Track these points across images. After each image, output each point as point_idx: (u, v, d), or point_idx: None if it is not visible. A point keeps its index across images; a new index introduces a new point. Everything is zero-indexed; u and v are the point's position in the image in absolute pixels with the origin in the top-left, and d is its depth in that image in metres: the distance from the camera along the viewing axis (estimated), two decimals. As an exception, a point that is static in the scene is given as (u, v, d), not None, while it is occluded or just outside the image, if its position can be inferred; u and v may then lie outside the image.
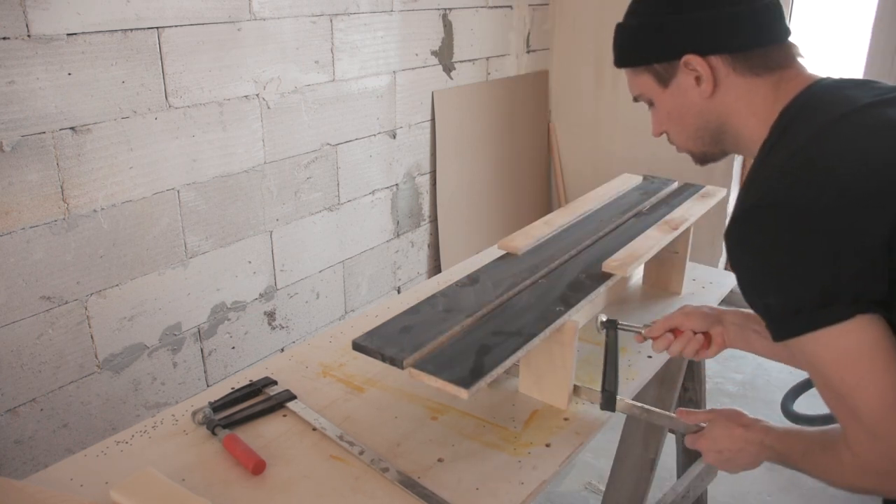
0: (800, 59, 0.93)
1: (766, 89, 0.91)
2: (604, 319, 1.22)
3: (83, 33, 1.73)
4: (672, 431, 1.71)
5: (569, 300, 1.23)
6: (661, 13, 0.94)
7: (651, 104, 1.02)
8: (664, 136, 1.04)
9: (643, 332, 1.22)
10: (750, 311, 1.09)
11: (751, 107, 0.91)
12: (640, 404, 1.21)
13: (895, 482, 0.80)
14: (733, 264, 0.85)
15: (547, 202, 3.73)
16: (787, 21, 0.93)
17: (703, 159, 1.03)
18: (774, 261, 0.79)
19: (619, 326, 1.22)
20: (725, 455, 1.02)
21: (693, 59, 0.92)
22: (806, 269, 0.77)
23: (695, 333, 1.18)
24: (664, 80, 0.96)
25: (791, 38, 0.94)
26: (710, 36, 0.91)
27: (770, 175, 0.83)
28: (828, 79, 0.91)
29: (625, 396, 1.29)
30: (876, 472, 0.81)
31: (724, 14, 0.90)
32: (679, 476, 2.01)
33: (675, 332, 1.20)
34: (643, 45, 0.97)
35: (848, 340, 0.77)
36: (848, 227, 0.75)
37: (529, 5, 3.31)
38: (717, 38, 0.91)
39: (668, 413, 1.17)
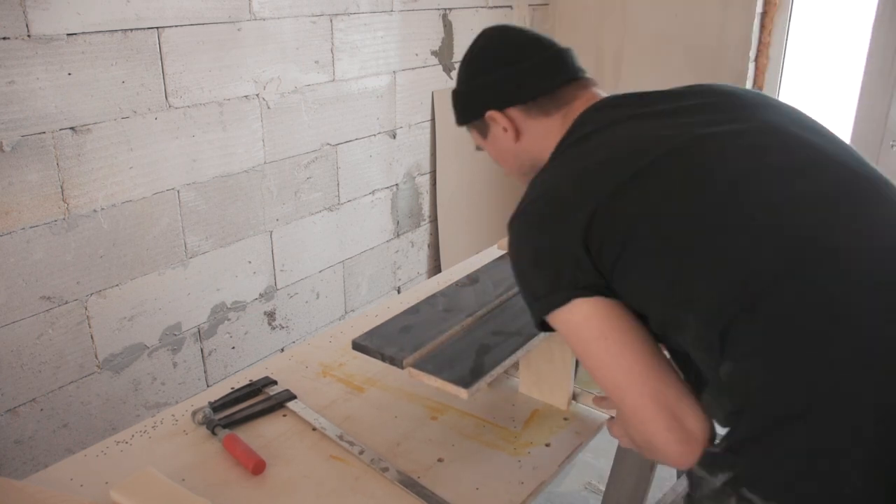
0: (593, 89, 1.08)
1: (558, 123, 1.05)
2: None
3: (83, 33, 1.73)
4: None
5: (569, 300, 1.23)
6: (466, 80, 1.13)
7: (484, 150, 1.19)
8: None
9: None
10: None
11: (548, 141, 1.05)
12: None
13: (650, 452, 0.90)
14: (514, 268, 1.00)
15: (547, 202, 3.73)
16: (575, 63, 1.09)
17: None
18: (519, 261, 0.96)
19: None
20: (626, 442, 1.11)
21: (494, 115, 1.08)
22: (536, 264, 0.93)
23: None
24: (483, 133, 1.14)
25: (586, 75, 1.09)
26: (502, 93, 1.08)
27: (527, 190, 1.00)
28: (607, 98, 1.05)
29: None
30: (634, 443, 0.93)
31: (513, 72, 1.07)
32: (679, 476, 2.01)
33: None
34: (461, 108, 1.16)
35: (569, 318, 0.90)
36: (559, 230, 0.90)
37: (529, 5, 3.31)
38: (508, 93, 1.07)
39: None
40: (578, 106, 1.04)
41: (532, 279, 0.94)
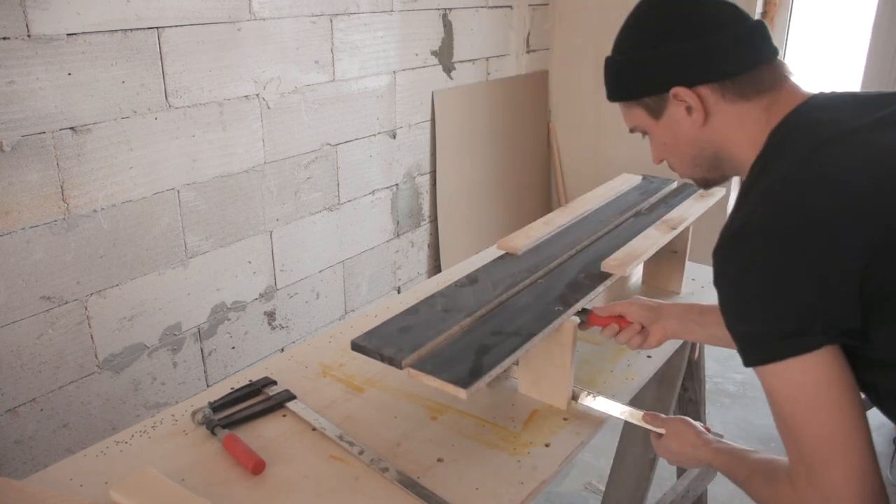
0: (791, 77, 0.93)
1: (758, 112, 0.90)
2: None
3: (83, 33, 1.73)
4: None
5: (568, 300, 1.23)
6: (645, 47, 0.94)
7: (647, 134, 1.03)
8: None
9: (591, 310, 1.28)
10: (689, 303, 1.25)
11: (743, 131, 0.91)
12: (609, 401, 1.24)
13: None
14: (718, 286, 0.85)
15: (547, 202, 3.73)
16: (772, 40, 0.94)
17: (705, 184, 1.04)
18: (749, 288, 0.80)
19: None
20: (681, 460, 1.10)
21: (681, 91, 0.92)
22: (776, 297, 0.77)
23: (643, 327, 1.25)
24: (656, 113, 0.97)
25: (780, 57, 0.94)
26: (695, 66, 0.91)
27: (754, 201, 0.82)
28: (819, 96, 0.91)
29: (626, 396, 1.30)
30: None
31: (707, 43, 0.90)
32: (679, 476, 2.01)
33: (621, 321, 1.26)
34: (631, 81, 0.98)
35: (802, 376, 0.77)
36: (820, 255, 0.75)
37: (529, 5, 3.31)
38: (702, 67, 0.91)
39: (632, 410, 1.21)
40: (783, 97, 0.90)
41: (763, 314, 0.78)
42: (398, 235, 2.91)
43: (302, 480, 1.08)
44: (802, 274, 0.75)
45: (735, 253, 0.80)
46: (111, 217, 1.89)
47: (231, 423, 1.19)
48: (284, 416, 1.23)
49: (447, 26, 2.86)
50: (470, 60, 3.03)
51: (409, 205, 2.93)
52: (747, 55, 0.90)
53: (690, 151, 0.98)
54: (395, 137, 2.76)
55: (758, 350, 0.80)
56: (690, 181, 1.06)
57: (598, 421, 1.22)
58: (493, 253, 1.50)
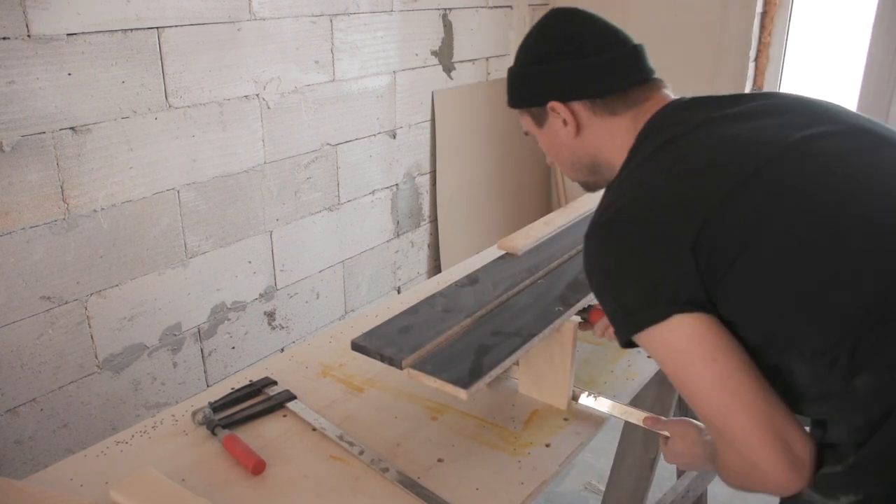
0: (663, 90, 1.04)
1: (626, 123, 1.01)
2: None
3: (83, 33, 1.73)
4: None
5: (568, 300, 1.23)
6: (533, 62, 1.05)
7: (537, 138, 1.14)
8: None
9: (593, 306, 1.30)
10: None
11: (614, 141, 1.02)
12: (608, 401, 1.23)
13: (753, 480, 0.84)
14: (585, 272, 0.95)
15: (547, 202, 3.73)
16: (647, 63, 1.05)
17: (587, 187, 1.15)
18: (605, 273, 0.90)
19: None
20: (689, 462, 1.10)
21: (556, 106, 1.03)
22: (630, 275, 0.87)
23: None
24: (539, 122, 1.09)
25: (655, 76, 1.05)
26: (570, 85, 1.02)
27: (610, 196, 0.95)
28: (678, 101, 1.01)
29: (626, 396, 1.30)
30: (732, 471, 0.86)
31: (583, 65, 1.01)
32: (679, 476, 2.01)
33: None
34: (519, 91, 1.09)
35: (669, 338, 0.84)
36: (659, 236, 0.85)
37: (529, 5, 3.31)
38: (576, 86, 1.02)
39: (636, 411, 1.20)
40: (649, 108, 1.00)
41: (622, 292, 0.88)
42: (398, 235, 2.91)
43: (302, 480, 1.08)
44: (648, 253, 0.86)
45: (597, 241, 0.91)
46: (111, 217, 1.89)
47: (231, 424, 1.19)
48: (285, 416, 1.23)
49: (447, 26, 2.86)
50: (470, 60, 3.03)
51: (409, 205, 2.93)
52: (619, 77, 1.02)
53: (569, 158, 1.09)
54: (395, 137, 2.76)
55: (623, 323, 0.89)
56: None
57: (598, 421, 1.22)
58: (493, 253, 1.50)
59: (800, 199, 0.82)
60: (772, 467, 0.80)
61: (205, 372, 2.25)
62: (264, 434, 1.18)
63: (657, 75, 1.06)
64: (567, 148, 1.07)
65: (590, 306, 1.28)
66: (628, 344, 0.90)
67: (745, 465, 0.83)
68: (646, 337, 0.86)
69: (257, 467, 1.09)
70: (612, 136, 1.02)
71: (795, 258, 0.80)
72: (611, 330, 1.25)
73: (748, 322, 0.84)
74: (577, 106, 1.02)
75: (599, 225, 0.91)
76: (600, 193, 1.52)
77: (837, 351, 0.77)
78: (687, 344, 0.83)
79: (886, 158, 0.86)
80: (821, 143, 0.87)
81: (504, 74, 3.21)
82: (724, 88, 3.15)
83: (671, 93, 1.04)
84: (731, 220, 0.83)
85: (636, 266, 0.87)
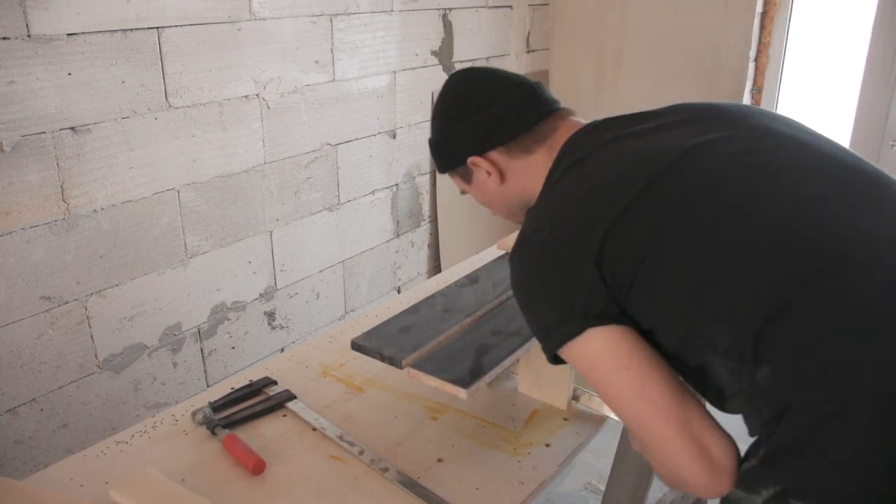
0: (572, 117, 1.08)
1: (542, 157, 1.04)
2: None
3: (83, 33, 1.73)
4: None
5: (568, 300, 1.23)
6: (443, 128, 1.10)
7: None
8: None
9: None
10: None
11: (535, 176, 1.04)
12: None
13: (679, 484, 0.86)
14: (513, 293, 0.98)
15: (547, 202, 3.73)
16: (548, 95, 1.08)
17: None
18: (526, 295, 0.94)
19: None
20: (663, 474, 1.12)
21: (476, 160, 1.07)
22: (546, 296, 0.90)
23: None
24: (467, 179, 1.12)
25: (561, 106, 1.09)
26: (480, 137, 1.06)
27: (526, 222, 0.98)
28: (588, 125, 1.04)
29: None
30: (662, 475, 0.90)
31: (486, 116, 1.05)
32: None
33: None
34: (441, 157, 1.13)
35: (586, 350, 0.87)
36: (567, 255, 0.88)
37: (529, 5, 3.31)
38: (487, 137, 1.06)
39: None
40: (560, 136, 1.04)
41: (541, 311, 0.91)
42: (398, 235, 2.91)
43: (302, 480, 1.08)
44: (559, 272, 0.89)
45: (517, 264, 0.95)
46: (111, 217, 1.89)
47: (231, 424, 1.19)
48: (285, 416, 1.23)
49: (447, 26, 2.86)
50: (470, 60, 3.03)
51: (409, 205, 2.93)
52: (523, 117, 1.05)
53: (502, 203, 1.12)
54: (395, 137, 2.76)
55: (545, 341, 0.91)
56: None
57: (598, 421, 1.22)
58: (493, 253, 1.50)
59: (695, 200, 0.85)
60: (691, 473, 0.83)
61: (205, 372, 2.25)
62: (264, 434, 1.18)
63: (563, 104, 1.10)
64: (497, 196, 1.11)
65: None
66: (555, 360, 0.92)
67: (668, 472, 0.87)
68: (567, 352, 0.89)
69: (257, 467, 1.09)
70: (532, 173, 1.05)
71: (694, 258, 0.82)
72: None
73: (662, 327, 0.86)
74: (494, 155, 1.06)
75: (517, 249, 0.95)
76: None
77: (742, 346, 0.79)
78: (602, 355, 0.86)
79: (786, 157, 0.88)
80: (718, 147, 0.90)
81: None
82: (724, 88, 3.15)
83: (581, 119, 1.08)
84: (631, 230, 0.86)
85: (551, 286, 0.89)
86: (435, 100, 1.14)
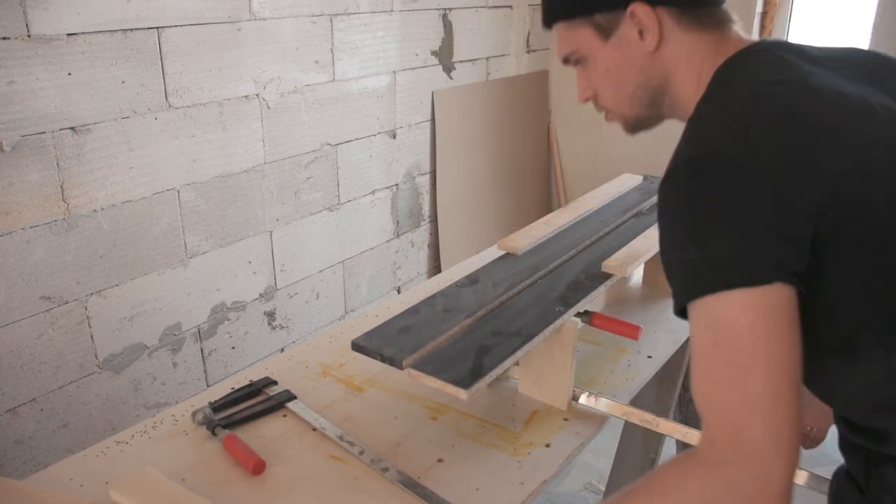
0: (736, 25, 0.90)
1: (708, 46, 0.87)
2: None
3: (83, 33, 1.73)
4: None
5: (569, 300, 1.23)
6: None
7: (583, 63, 0.94)
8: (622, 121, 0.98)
9: (593, 313, 1.31)
10: None
11: (691, 64, 0.87)
12: None
13: None
14: (661, 217, 0.78)
15: (547, 202, 3.73)
16: None
17: (636, 125, 0.98)
18: (703, 213, 0.72)
19: None
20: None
21: (640, 9, 0.85)
22: (734, 224, 0.70)
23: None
24: (606, 33, 0.89)
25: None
26: None
27: (710, 130, 0.78)
28: (765, 41, 0.87)
29: (626, 396, 1.30)
30: (731, 488, 0.68)
31: None
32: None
33: (628, 326, 1.29)
34: None
35: (760, 308, 0.68)
36: (784, 189, 0.70)
37: (529, 5, 3.31)
38: None
39: None
40: (734, 38, 0.87)
41: (714, 239, 0.71)
42: (398, 235, 2.91)
43: (302, 480, 1.08)
44: (758, 205, 0.70)
45: (691, 179, 0.74)
46: (111, 217, 1.89)
47: (231, 423, 1.19)
48: (285, 416, 1.23)
49: (447, 26, 2.86)
50: (470, 60, 3.03)
51: (409, 205, 2.93)
52: None
53: (635, 80, 0.91)
54: (395, 137, 2.76)
55: (704, 277, 0.71)
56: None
57: (598, 421, 1.22)
58: (493, 253, 1.50)
59: None
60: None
61: (205, 372, 2.25)
62: (264, 434, 1.18)
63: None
64: (637, 67, 0.89)
65: (587, 311, 1.28)
66: (683, 312, 0.75)
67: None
68: (722, 298, 0.69)
69: (257, 467, 1.08)
70: (691, 58, 0.86)
71: None
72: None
73: (848, 303, 0.73)
74: (663, 12, 0.86)
75: (701, 160, 0.74)
76: (603, 193, 1.50)
77: None
78: (773, 324, 0.68)
79: None
80: None
81: (504, 74, 3.24)
82: (724, 88, 3.15)
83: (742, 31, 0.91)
84: (870, 180, 0.71)
85: (745, 215, 0.70)
86: None
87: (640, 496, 0.76)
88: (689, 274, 0.73)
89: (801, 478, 1.08)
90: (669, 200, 0.76)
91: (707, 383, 0.71)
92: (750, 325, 0.68)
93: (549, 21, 0.96)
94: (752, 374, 0.68)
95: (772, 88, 0.77)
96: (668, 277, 0.77)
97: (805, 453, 0.95)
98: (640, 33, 0.87)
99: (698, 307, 0.71)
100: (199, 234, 2.13)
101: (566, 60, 0.96)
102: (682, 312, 0.75)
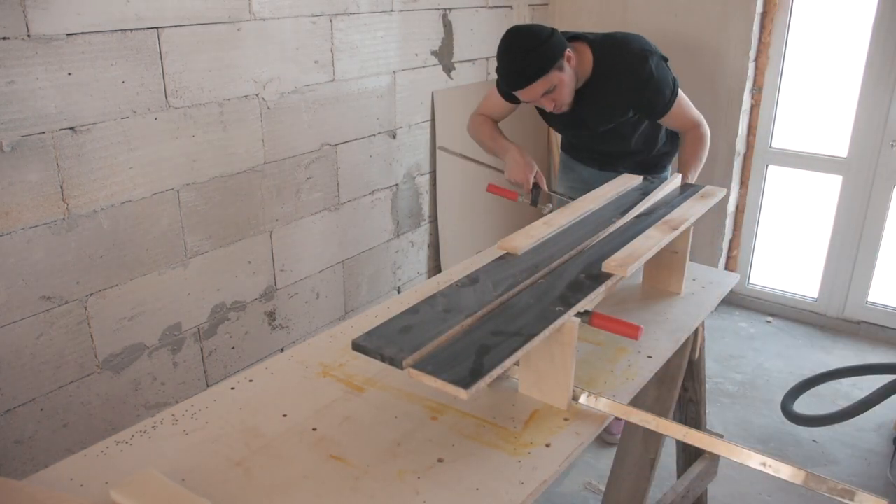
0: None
1: (582, 48, 2.02)
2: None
3: (83, 33, 1.73)
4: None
5: (569, 300, 1.23)
6: (540, 44, 1.86)
7: (552, 90, 1.91)
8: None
9: (592, 312, 1.32)
10: None
11: (582, 59, 2.01)
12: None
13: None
14: (653, 90, 1.99)
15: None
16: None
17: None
18: (668, 76, 2.01)
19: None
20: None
21: (568, 52, 1.91)
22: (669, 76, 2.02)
23: None
24: (561, 68, 1.89)
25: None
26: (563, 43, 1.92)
27: (631, 60, 2.00)
28: (584, 36, 2.06)
29: (626, 396, 1.30)
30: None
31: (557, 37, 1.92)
32: (679, 476, 2.01)
33: (628, 326, 1.41)
34: (553, 56, 1.87)
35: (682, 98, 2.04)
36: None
37: (529, 5, 3.31)
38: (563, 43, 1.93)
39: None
40: (580, 44, 2.03)
41: (669, 84, 2.00)
42: (398, 235, 2.91)
43: (302, 480, 1.08)
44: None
45: (655, 63, 1.99)
46: (111, 217, 1.89)
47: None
48: (285, 416, 1.23)
49: (447, 26, 2.87)
50: (470, 60, 3.03)
51: (409, 205, 2.93)
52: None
53: (574, 82, 1.99)
54: (395, 137, 2.77)
55: (672, 97, 2.01)
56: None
57: (598, 421, 1.22)
58: (493, 253, 1.50)
59: None
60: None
61: (205, 372, 2.25)
62: (264, 434, 1.18)
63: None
64: (573, 76, 1.97)
65: (587, 311, 1.28)
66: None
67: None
68: (678, 100, 2.03)
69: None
70: (581, 58, 2.00)
71: None
72: None
73: None
74: (568, 50, 1.93)
75: (651, 58, 1.99)
76: (603, 193, 1.53)
77: None
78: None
79: None
80: None
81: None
82: (724, 88, 3.15)
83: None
84: None
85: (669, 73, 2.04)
86: (516, 42, 1.87)
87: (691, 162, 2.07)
88: (669, 98, 2.02)
89: (800, 477, 1.07)
90: (654, 79, 1.98)
91: (692, 111, 2.08)
92: (686, 104, 2.08)
93: (531, 80, 1.88)
94: (692, 109, 2.09)
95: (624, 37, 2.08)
96: (665, 109, 2.03)
97: (805, 453, 0.95)
98: (569, 59, 1.91)
99: (675, 105, 2.04)
100: (199, 235, 2.13)
101: (545, 94, 1.93)
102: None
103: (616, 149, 2.23)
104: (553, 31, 1.88)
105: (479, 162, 2.35)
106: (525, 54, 1.83)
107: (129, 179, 1.91)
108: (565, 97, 1.94)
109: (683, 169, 2.01)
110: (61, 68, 1.71)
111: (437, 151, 2.96)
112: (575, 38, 2.00)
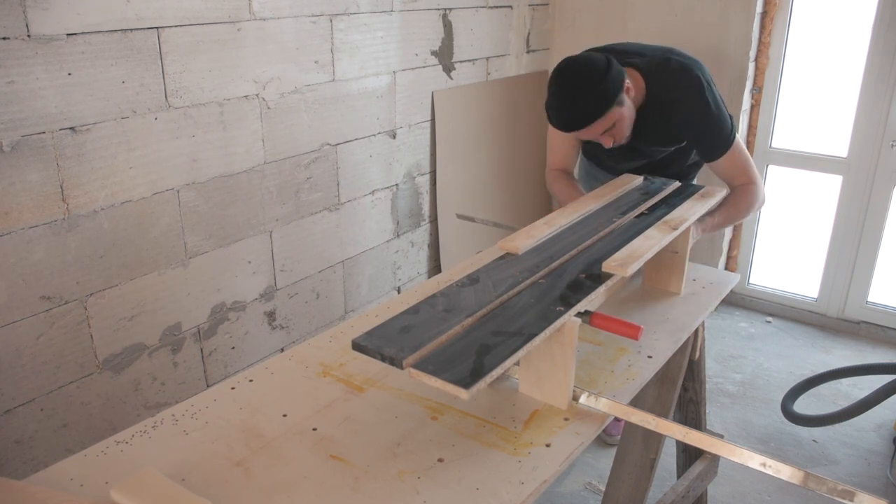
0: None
1: (635, 76, 1.89)
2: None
3: (83, 33, 1.73)
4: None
5: (569, 300, 1.23)
6: (601, 79, 1.71)
7: (613, 127, 1.78)
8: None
9: (593, 312, 1.35)
10: None
11: (636, 86, 1.88)
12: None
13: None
14: (706, 124, 1.88)
15: (547, 202, 3.73)
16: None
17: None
18: (717, 107, 1.89)
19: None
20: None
21: (627, 82, 1.78)
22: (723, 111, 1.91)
23: None
24: (621, 102, 1.75)
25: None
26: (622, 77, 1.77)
27: (675, 85, 1.89)
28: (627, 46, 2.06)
29: (626, 396, 1.30)
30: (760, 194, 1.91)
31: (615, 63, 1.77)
32: (679, 476, 2.02)
33: (628, 326, 1.43)
34: (615, 92, 1.72)
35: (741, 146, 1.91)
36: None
37: (529, 5, 3.31)
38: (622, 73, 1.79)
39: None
40: (632, 72, 1.90)
41: (726, 122, 1.87)
42: (398, 235, 2.91)
43: (302, 480, 1.08)
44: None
45: (704, 99, 1.86)
46: (111, 217, 1.89)
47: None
48: (285, 415, 1.23)
49: (447, 26, 2.87)
50: (470, 60, 3.03)
51: (409, 205, 2.93)
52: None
53: (633, 115, 1.86)
54: (395, 137, 2.77)
55: (729, 136, 1.87)
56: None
57: (598, 421, 1.22)
58: (493, 253, 1.50)
59: None
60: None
61: (205, 372, 2.25)
62: (265, 434, 1.18)
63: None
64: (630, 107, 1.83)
65: (587, 311, 1.28)
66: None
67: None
68: (735, 144, 1.89)
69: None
70: (636, 85, 1.87)
71: None
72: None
73: None
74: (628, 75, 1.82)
75: (702, 86, 1.88)
76: (603, 193, 1.54)
77: None
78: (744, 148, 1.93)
79: None
80: None
81: (504, 74, 3.24)
82: (724, 88, 3.15)
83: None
84: None
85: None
86: (565, 84, 1.72)
87: (729, 209, 1.87)
88: (725, 136, 1.88)
89: (800, 478, 1.08)
90: (707, 111, 1.87)
91: (750, 165, 1.89)
92: (743, 152, 1.91)
93: (589, 121, 1.72)
94: (751, 164, 1.92)
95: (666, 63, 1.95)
96: (720, 146, 1.89)
97: (805, 453, 0.95)
98: (628, 91, 1.78)
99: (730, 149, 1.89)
100: (199, 234, 2.13)
101: (605, 133, 1.78)
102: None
103: (654, 165, 2.11)
104: (609, 60, 1.69)
105: (498, 224, 2.20)
106: (584, 94, 1.66)
107: (129, 179, 1.91)
108: (625, 131, 1.79)
109: (719, 209, 1.79)
110: (61, 68, 1.71)
111: (437, 151, 2.96)
112: (623, 62, 1.82)
